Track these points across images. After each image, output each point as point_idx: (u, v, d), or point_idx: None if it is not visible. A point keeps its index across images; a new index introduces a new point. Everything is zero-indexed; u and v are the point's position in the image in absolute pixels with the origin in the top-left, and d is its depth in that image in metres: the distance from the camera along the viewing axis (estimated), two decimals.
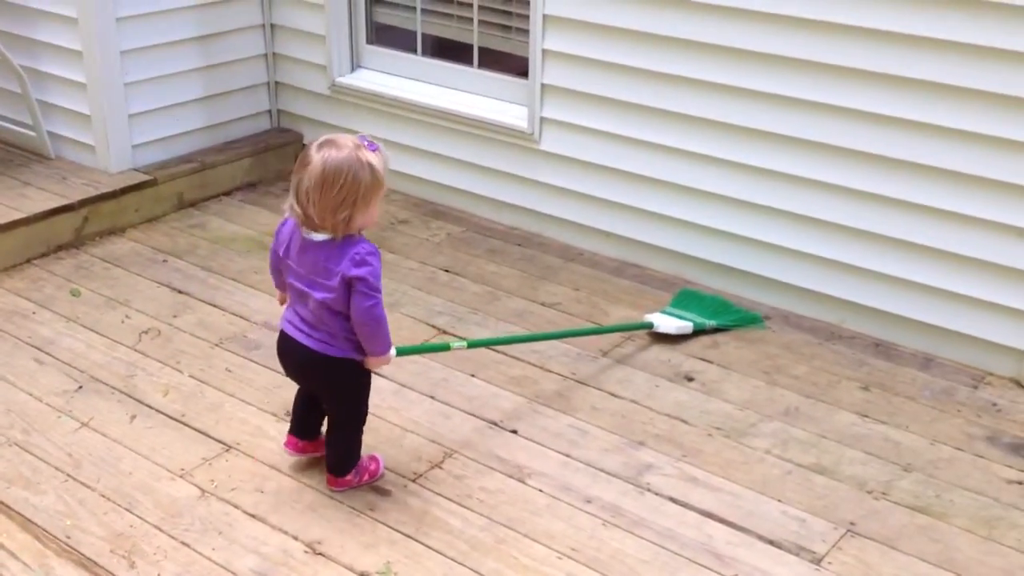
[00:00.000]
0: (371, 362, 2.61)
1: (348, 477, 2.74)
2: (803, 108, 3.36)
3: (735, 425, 3.05)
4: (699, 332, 3.47)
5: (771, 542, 2.61)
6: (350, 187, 2.39)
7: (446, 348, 3.07)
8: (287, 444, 2.81)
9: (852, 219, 3.39)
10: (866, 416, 3.09)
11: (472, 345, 3.16)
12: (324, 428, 2.78)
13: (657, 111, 3.68)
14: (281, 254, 2.59)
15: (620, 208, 3.92)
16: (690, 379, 3.26)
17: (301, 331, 2.58)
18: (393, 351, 2.63)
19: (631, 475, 2.83)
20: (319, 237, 2.48)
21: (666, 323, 3.46)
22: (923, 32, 3.07)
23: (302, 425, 2.81)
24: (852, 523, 2.67)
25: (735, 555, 2.56)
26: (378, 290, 2.49)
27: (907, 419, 3.07)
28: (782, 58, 3.34)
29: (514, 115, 4.06)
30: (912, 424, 3.05)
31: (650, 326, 3.45)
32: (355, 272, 2.46)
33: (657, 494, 2.76)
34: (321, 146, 2.45)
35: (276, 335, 3.26)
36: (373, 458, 2.81)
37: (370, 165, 2.42)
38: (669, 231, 3.84)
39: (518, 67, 4.09)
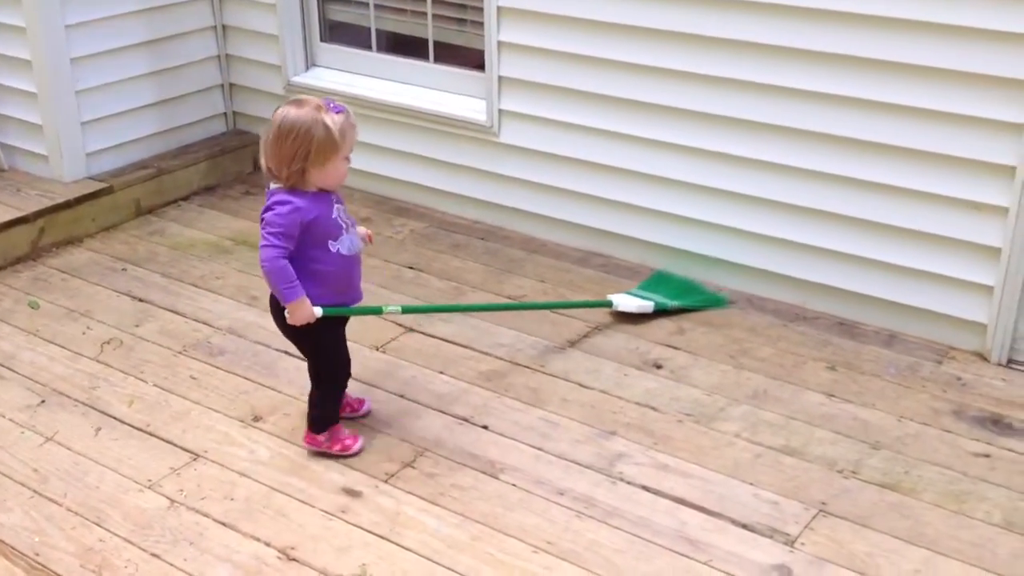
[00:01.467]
0: (288, 315, 2.65)
1: (320, 437, 2.83)
2: (758, 91, 3.37)
3: (704, 410, 3.06)
4: (662, 312, 3.49)
5: (744, 526, 2.62)
6: (302, 141, 2.52)
7: (378, 311, 3.04)
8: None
9: (811, 200, 3.41)
10: (833, 396, 3.11)
11: (407, 311, 3.17)
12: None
13: (615, 99, 3.68)
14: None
15: (582, 198, 3.92)
16: (658, 366, 3.27)
17: None
18: (317, 310, 2.67)
19: (603, 465, 2.83)
20: (274, 185, 2.62)
21: (625, 302, 3.49)
22: (863, 10, 3.09)
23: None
24: (823, 503, 2.68)
25: (709, 540, 2.57)
26: (274, 235, 2.56)
27: (873, 397, 3.10)
28: (736, 42, 3.35)
29: (472, 108, 4.05)
30: (879, 402, 3.07)
31: (609, 304, 3.48)
32: (263, 214, 2.59)
33: (630, 483, 2.76)
34: (286, 103, 2.61)
35: (240, 341, 3.24)
36: (354, 436, 2.87)
37: (325, 124, 2.54)
38: (632, 219, 3.84)
39: (474, 60, 4.08)
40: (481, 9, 3.89)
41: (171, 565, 2.49)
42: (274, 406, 3.08)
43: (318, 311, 2.68)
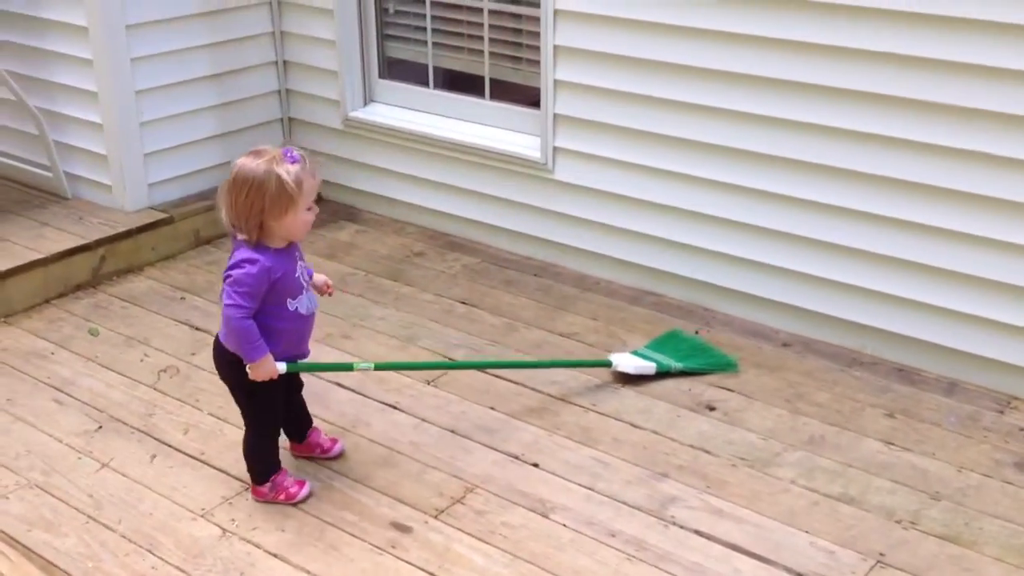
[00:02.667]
0: (250, 372, 2.62)
1: (263, 489, 2.79)
2: (819, 133, 3.35)
3: (759, 455, 3.02)
4: (664, 374, 3.37)
5: (799, 575, 2.57)
6: (256, 195, 2.48)
7: (349, 368, 3.02)
8: (291, 449, 2.97)
9: (872, 244, 3.37)
10: (892, 444, 3.05)
11: (379, 367, 3.09)
12: (314, 430, 2.97)
13: (670, 139, 3.68)
14: None
15: (636, 236, 3.91)
16: (712, 408, 3.24)
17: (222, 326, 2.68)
18: (280, 366, 2.64)
19: (655, 508, 2.80)
20: (241, 236, 2.58)
21: (625, 362, 3.35)
22: (929, 54, 3.06)
23: (288, 426, 2.91)
24: (881, 554, 2.63)
25: None
26: (239, 294, 2.52)
27: (933, 446, 3.03)
28: (796, 83, 3.34)
29: (527, 145, 4.07)
30: (939, 451, 3.01)
31: (608, 364, 3.36)
32: (230, 271, 2.55)
33: (682, 527, 2.73)
34: (244, 154, 2.56)
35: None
36: (299, 482, 2.83)
37: (279, 176, 2.49)
38: (686, 259, 3.82)
39: (530, 97, 4.10)
40: (537, 48, 3.91)
41: None
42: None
43: (281, 367, 2.65)
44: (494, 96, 4.22)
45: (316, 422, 3.11)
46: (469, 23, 4.24)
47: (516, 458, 3.01)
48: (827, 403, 3.25)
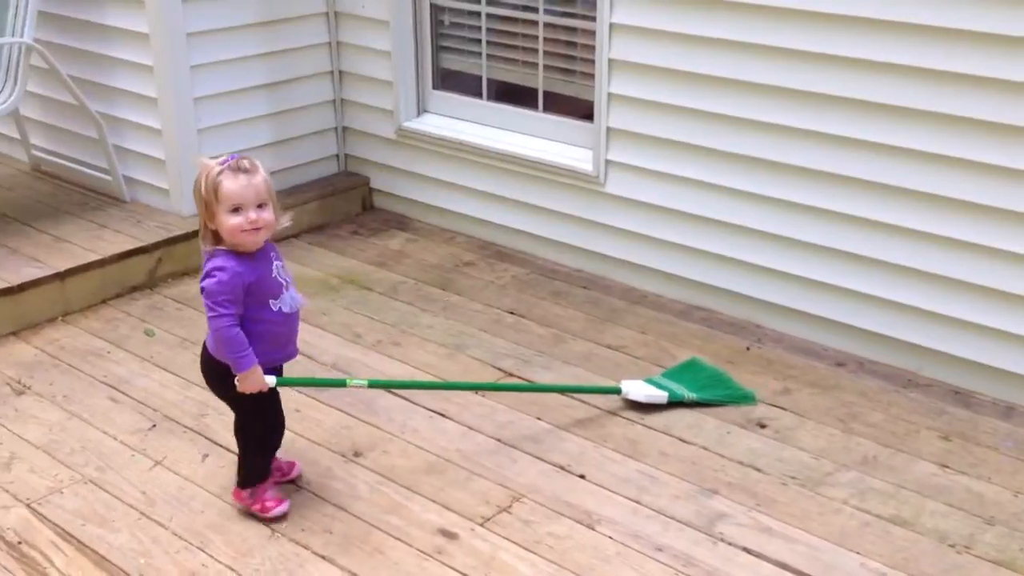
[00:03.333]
0: (238, 383, 2.59)
1: (244, 493, 2.78)
2: (875, 151, 3.32)
3: (810, 474, 2.98)
4: (677, 403, 3.28)
5: None
6: (195, 195, 2.54)
7: (342, 384, 3.00)
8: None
9: (929, 264, 3.33)
10: (946, 466, 3.00)
11: (373, 385, 3.05)
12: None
13: (724, 153, 3.66)
14: None
15: (686, 251, 3.89)
16: (763, 426, 3.21)
17: (208, 334, 2.66)
18: (270, 379, 2.61)
19: (703, 524, 2.78)
20: (204, 248, 2.60)
21: (636, 390, 3.26)
22: (1000, 74, 3.02)
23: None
24: None
25: None
26: (218, 304, 2.50)
27: (989, 470, 2.98)
28: (848, 100, 3.31)
29: (579, 158, 4.07)
30: (995, 475, 2.96)
31: (618, 391, 3.29)
32: (202, 283, 2.54)
33: (731, 544, 2.70)
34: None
35: (343, 376, 3.29)
36: (278, 499, 2.79)
37: (201, 180, 2.51)
38: (738, 274, 3.80)
39: (583, 110, 4.11)
40: (591, 61, 3.93)
41: None
42: (374, 443, 3.11)
43: (271, 380, 2.62)
44: (547, 108, 4.24)
45: (362, 426, 3.14)
46: (524, 36, 4.26)
47: (562, 469, 3.00)
48: (881, 424, 3.21)
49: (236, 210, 2.49)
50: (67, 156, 4.64)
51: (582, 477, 2.96)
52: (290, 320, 2.67)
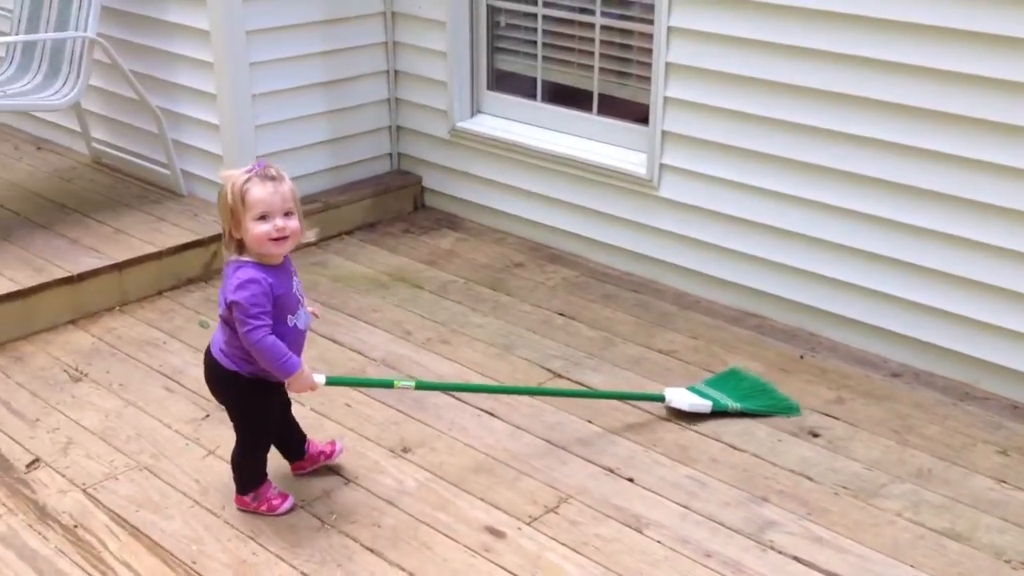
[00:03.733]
0: (289, 388, 2.63)
1: (246, 498, 2.78)
2: (936, 159, 3.28)
3: (863, 485, 2.95)
4: (721, 413, 3.24)
5: None
6: (220, 207, 2.52)
7: (389, 385, 2.97)
8: (291, 468, 2.94)
9: (988, 275, 3.27)
10: (1004, 481, 2.95)
11: (420, 387, 3.05)
12: (310, 442, 2.94)
13: (780, 159, 3.63)
14: None
15: (740, 257, 3.87)
16: (815, 435, 3.17)
17: (213, 340, 2.67)
18: (320, 378, 2.64)
19: (753, 531, 2.75)
20: (230, 257, 2.59)
21: (680, 399, 3.22)
22: None
23: (285, 449, 2.91)
24: None
25: None
26: (253, 316, 2.48)
27: None
28: (908, 107, 3.27)
29: (633, 161, 4.06)
30: None
31: (661, 399, 3.25)
32: (231, 296, 2.51)
33: (781, 553, 2.68)
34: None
35: (392, 373, 3.31)
36: (282, 495, 2.80)
37: (227, 187, 2.49)
38: (791, 281, 3.77)
39: (637, 114, 4.10)
40: (647, 64, 3.92)
41: None
42: (423, 439, 3.12)
43: (320, 379, 2.63)
44: (601, 111, 4.23)
45: (411, 423, 3.15)
46: (580, 38, 4.26)
47: (611, 471, 2.99)
48: (937, 436, 3.16)
49: (263, 218, 2.48)
50: (127, 149, 4.72)
51: (631, 480, 2.95)
52: (300, 336, 2.66)
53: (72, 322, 3.77)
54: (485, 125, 4.49)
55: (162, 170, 4.50)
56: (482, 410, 3.27)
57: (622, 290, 4.09)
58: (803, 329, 3.77)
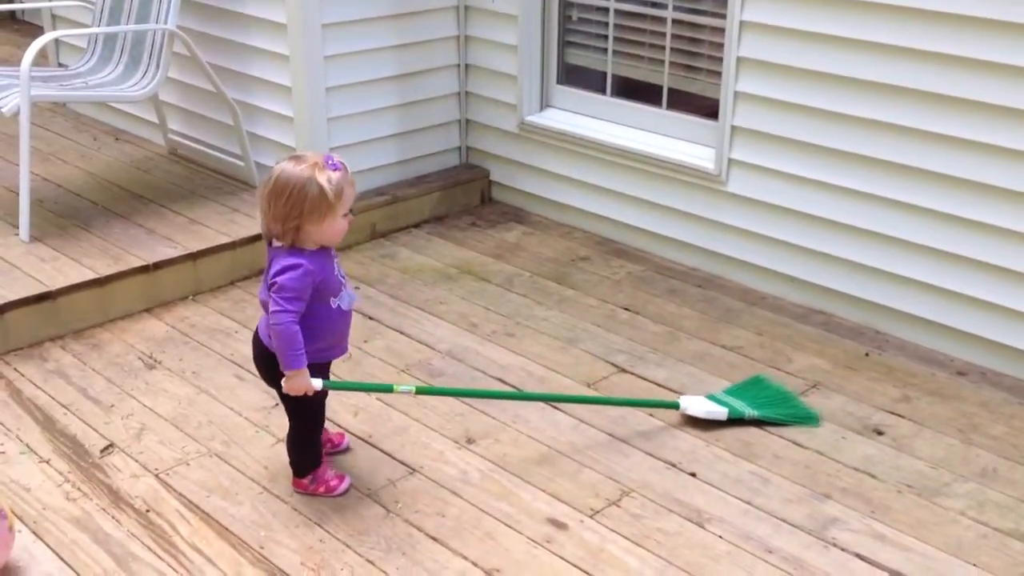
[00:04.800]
0: (284, 383, 2.63)
1: (304, 481, 2.84)
2: (1005, 155, 3.22)
3: (927, 483, 2.92)
4: (737, 420, 3.19)
5: None
6: (296, 200, 2.50)
7: (389, 389, 2.95)
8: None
9: None
10: None
11: (420, 392, 3.05)
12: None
13: (851, 155, 3.60)
14: None
15: (807, 253, 3.84)
16: (880, 433, 3.15)
17: (260, 326, 2.73)
18: (316, 382, 2.64)
19: (815, 528, 2.75)
20: (276, 244, 2.61)
21: (696, 405, 3.18)
22: None
23: None
24: None
25: None
26: (287, 299, 2.53)
27: None
28: (983, 104, 3.22)
29: (701, 156, 4.05)
30: None
31: (676, 406, 3.21)
32: (275, 279, 2.55)
33: (843, 550, 2.67)
34: (285, 159, 2.59)
35: (458, 365, 3.34)
36: (339, 476, 2.87)
37: (320, 183, 2.50)
38: (858, 278, 3.73)
39: (706, 108, 4.08)
40: (719, 59, 3.90)
41: (384, 572, 2.59)
42: (487, 431, 3.16)
43: (317, 383, 2.64)
44: (671, 106, 4.22)
45: (475, 414, 3.20)
46: (651, 32, 4.26)
47: (673, 466, 3.00)
48: (1003, 436, 3.12)
49: (346, 214, 2.60)
50: (202, 141, 4.83)
51: (693, 475, 2.96)
52: (345, 317, 2.72)
53: (147, 310, 3.88)
54: (554, 119, 4.51)
55: (237, 162, 4.60)
56: (545, 403, 3.30)
57: (688, 285, 4.09)
58: (870, 327, 3.73)
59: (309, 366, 2.63)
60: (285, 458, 3.01)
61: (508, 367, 3.50)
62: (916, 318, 3.62)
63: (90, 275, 3.77)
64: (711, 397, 3.27)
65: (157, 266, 3.89)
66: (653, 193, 4.24)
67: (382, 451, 3.06)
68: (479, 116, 4.77)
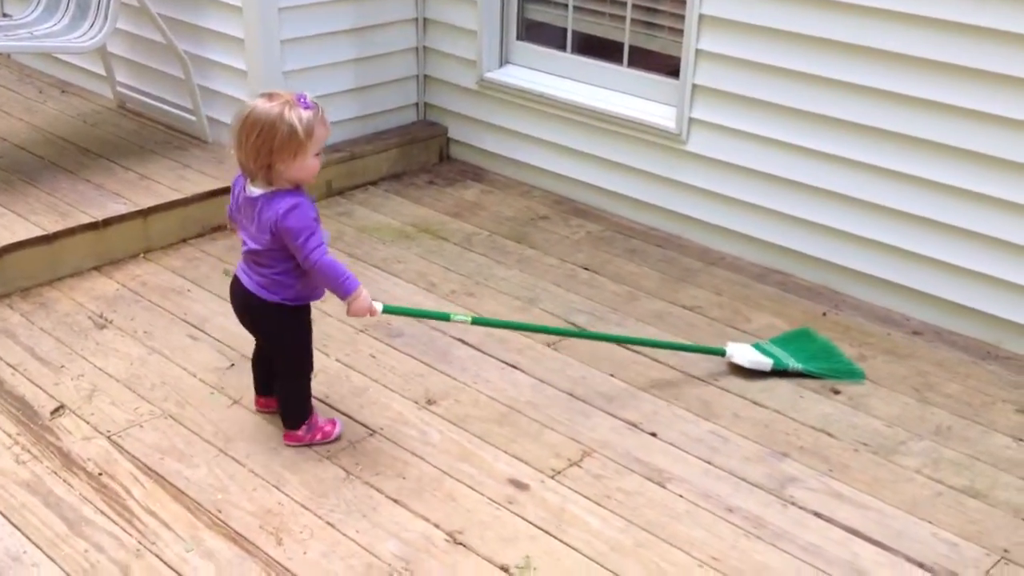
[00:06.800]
0: (348, 309, 2.66)
1: (298, 433, 2.84)
2: (960, 115, 3.23)
3: (883, 442, 2.95)
4: (781, 372, 3.22)
5: (920, 564, 2.52)
6: (265, 137, 2.49)
7: (446, 318, 2.99)
8: (255, 403, 2.99)
9: (1016, 235, 3.24)
10: (1022, 440, 2.95)
11: (476, 322, 3.05)
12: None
13: (811, 115, 3.59)
14: (232, 208, 2.73)
15: (766, 213, 3.84)
16: (836, 392, 3.17)
17: (245, 274, 2.70)
18: (377, 305, 2.69)
19: (774, 487, 2.77)
20: (255, 191, 2.58)
21: (741, 354, 3.21)
22: None
23: (261, 382, 2.96)
24: (1006, 551, 2.56)
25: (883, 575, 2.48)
26: (309, 237, 2.55)
27: None
28: (936, 63, 3.22)
29: (662, 115, 4.02)
30: None
31: (722, 353, 3.24)
32: (286, 224, 2.54)
33: (801, 508, 2.69)
34: (258, 96, 2.58)
35: (417, 325, 3.31)
36: (331, 421, 2.90)
37: (290, 121, 2.50)
38: (816, 238, 3.74)
39: (667, 66, 4.05)
40: (681, 16, 3.86)
41: (343, 535, 2.56)
42: (447, 391, 3.13)
43: (378, 306, 2.69)
44: (632, 63, 4.18)
45: (435, 374, 3.17)
46: None
47: (634, 426, 3.00)
48: (957, 395, 3.16)
49: (317, 153, 2.59)
50: (152, 95, 4.71)
51: (654, 435, 2.96)
52: None
53: (96, 268, 3.78)
54: (513, 76, 4.45)
55: (188, 116, 4.49)
56: (505, 363, 3.28)
57: (647, 245, 4.07)
58: (827, 286, 3.76)
59: (296, 309, 2.64)
60: (242, 419, 2.98)
61: (468, 328, 3.46)
62: (873, 278, 3.64)
63: (37, 232, 3.66)
64: (756, 346, 3.28)
65: (107, 223, 3.79)
66: (613, 152, 4.21)
67: (341, 412, 3.02)
68: (437, 72, 4.69)
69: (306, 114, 2.53)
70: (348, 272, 2.62)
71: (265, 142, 2.50)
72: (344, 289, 2.63)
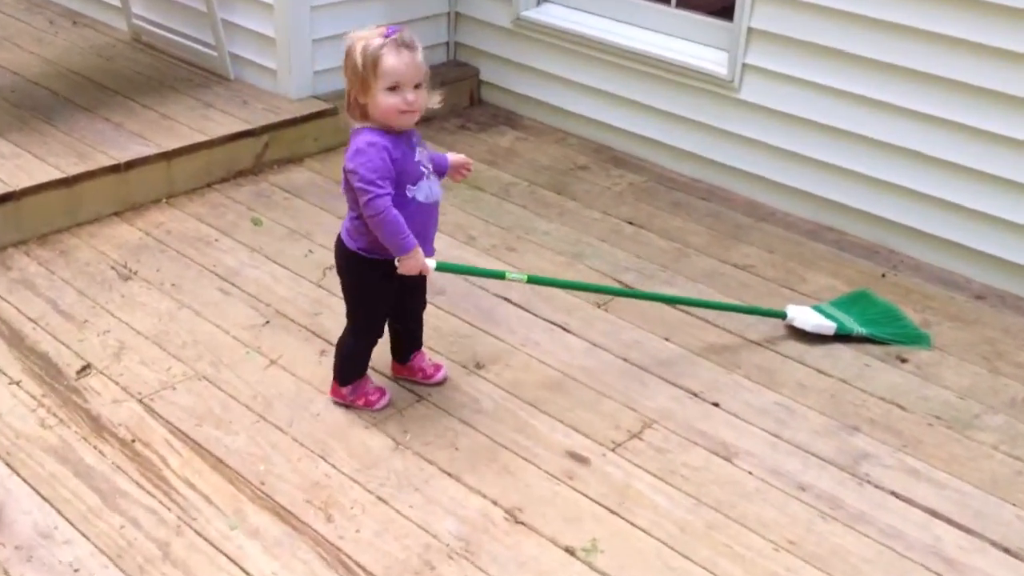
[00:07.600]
0: (400, 267, 2.44)
1: (344, 390, 2.69)
2: None
3: (956, 415, 2.80)
4: (845, 336, 3.07)
5: (1006, 550, 2.38)
6: (349, 65, 2.35)
7: (501, 276, 2.77)
8: (391, 368, 2.83)
9: None
10: None
11: (531, 281, 2.82)
12: (418, 354, 2.82)
13: (875, 63, 3.38)
14: None
15: (820, 166, 3.65)
16: (903, 360, 3.02)
17: (344, 224, 2.55)
18: (431, 262, 2.48)
19: (847, 463, 2.62)
20: (354, 125, 2.42)
21: (803, 317, 3.05)
22: None
23: (396, 344, 2.79)
24: None
25: (968, 561, 2.35)
26: (371, 182, 2.34)
27: None
28: (1017, 10, 3.02)
29: (713, 60, 3.80)
30: None
31: (783, 316, 3.07)
32: (347, 164, 2.38)
33: (878, 487, 2.55)
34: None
35: (458, 280, 3.10)
36: (380, 389, 2.73)
37: (353, 51, 2.32)
38: (873, 194, 3.55)
39: (720, 8, 3.82)
40: None
41: (397, 512, 2.41)
42: (496, 355, 2.97)
43: (432, 264, 2.47)
44: (681, 3, 3.95)
45: (482, 336, 3.00)
46: None
47: (695, 395, 2.84)
48: None
49: (393, 88, 2.32)
50: (170, 28, 4.46)
51: (716, 405, 2.81)
52: (423, 210, 2.48)
53: (117, 214, 3.58)
54: (552, 15, 4.21)
55: (209, 51, 4.25)
56: (554, 324, 3.11)
57: (691, 198, 3.89)
58: (884, 245, 3.58)
59: (381, 263, 2.45)
60: (281, 382, 2.82)
61: (511, 286, 3.27)
62: (932, 237, 3.47)
63: (57, 174, 3.45)
64: (817, 308, 3.12)
65: (129, 165, 3.59)
66: (657, 99, 3.99)
67: (388, 378, 2.85)
68: (469, 9, 4.44)
69: (375, 43, 2.30)
70: (407, 231, 2.39)
71: (348, 71, 2.35)
72: (398, 247, 2.41)
